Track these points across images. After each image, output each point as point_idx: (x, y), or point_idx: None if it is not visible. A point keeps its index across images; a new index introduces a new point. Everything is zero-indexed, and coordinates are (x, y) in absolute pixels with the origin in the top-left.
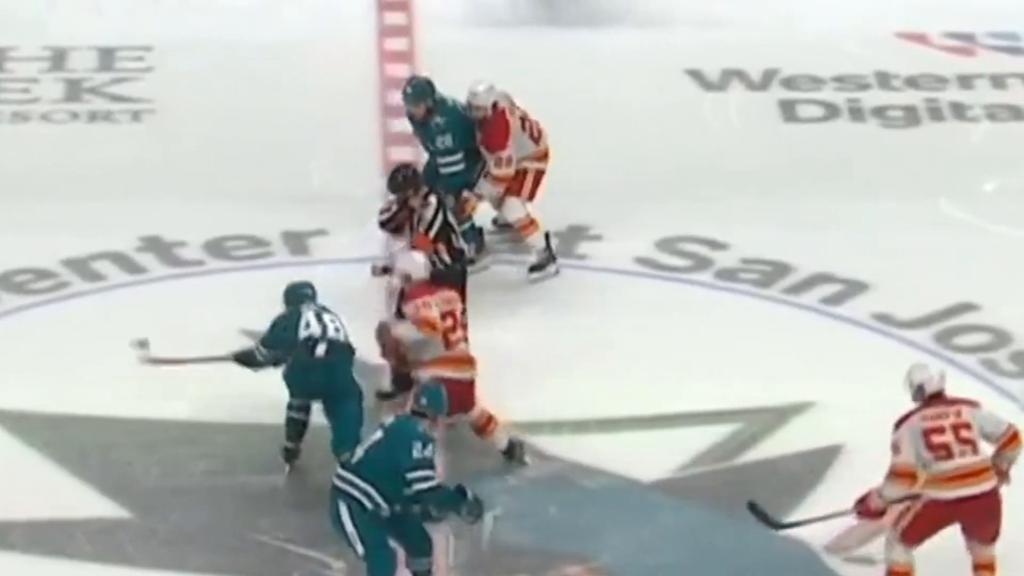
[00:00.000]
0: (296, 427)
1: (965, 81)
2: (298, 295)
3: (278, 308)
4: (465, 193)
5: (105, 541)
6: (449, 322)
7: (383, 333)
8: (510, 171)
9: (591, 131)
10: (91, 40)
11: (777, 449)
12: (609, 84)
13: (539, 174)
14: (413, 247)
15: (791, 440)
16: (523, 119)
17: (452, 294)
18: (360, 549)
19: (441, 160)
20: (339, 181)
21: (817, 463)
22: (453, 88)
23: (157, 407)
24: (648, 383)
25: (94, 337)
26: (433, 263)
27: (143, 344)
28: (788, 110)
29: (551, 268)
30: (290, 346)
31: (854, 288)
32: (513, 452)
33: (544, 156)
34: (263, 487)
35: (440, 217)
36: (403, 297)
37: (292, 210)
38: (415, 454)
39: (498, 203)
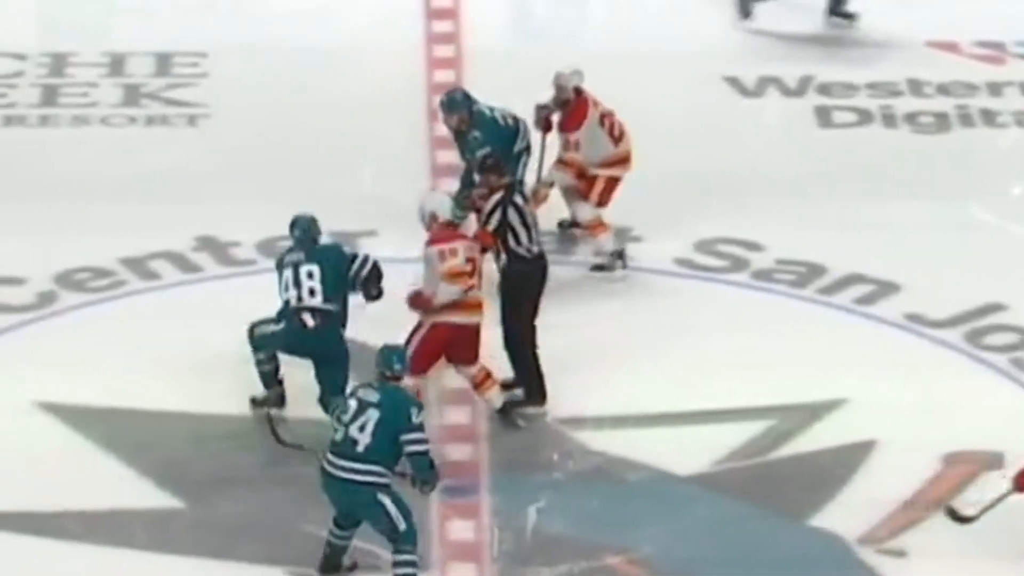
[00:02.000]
0: (270, 376)
1: (995, 88)
2: (295, 233)
3: None
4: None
5: (159, 531)
6: (470, 267)
7: (416, 301)
8: (577, 156)
9: (633, 136)
10: (148, 46)
11: (810, 445)
12: (650, 90)
13: (611, 181)
14: (475, 236)
15: (824, 436)
16: (603, 116)
17: (473, 242)
18: (403, 526)
19: (479, 172)
20: (388, 183)
21: (850, 459)
22: (498, 94)
23: (210, 402)
24: (686, 380)
25: (150, 334)
26: (497, 257)
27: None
28: (823, 116)
29: (617, 272)
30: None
31: (886, 288)
32: (507, 412)
33: (622, 161)
34: (312, 479)
35: (498, 215)
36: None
37: (342, 211)
38: (414, 419)
39: (568, 199)
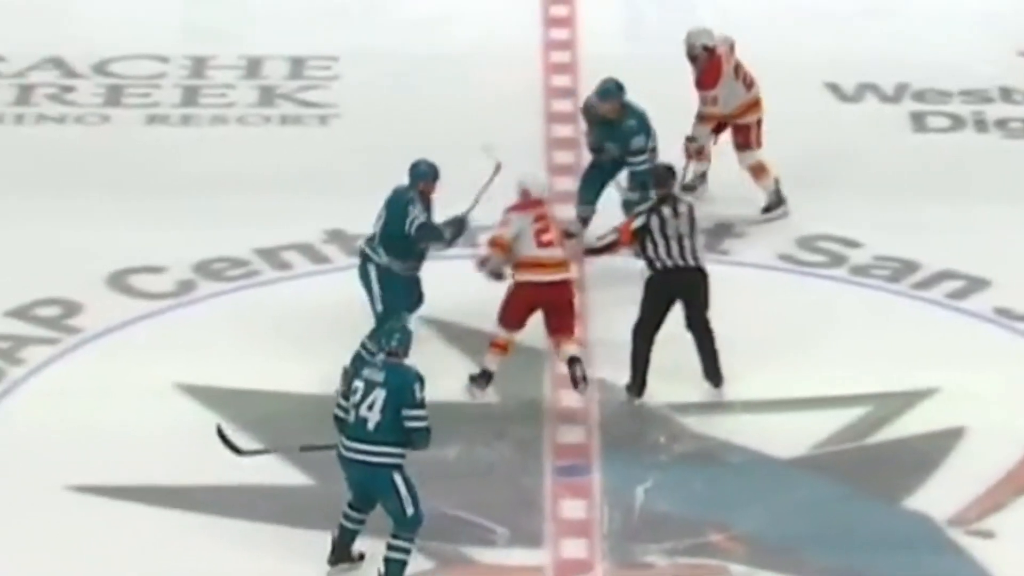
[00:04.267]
0: None
1: None
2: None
3: (449, 295)
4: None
5: (287, 505)
6: (540, 224)
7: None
8: (716, 110)
9: None
10: (283, 50)
11: (905, 430)
12: None
13: (758, 124)
14: (617, 230)
15: (918, 422)
16: (737, 67)
17: (543, 209)
18: (410, 510)
19: (633, 159)
20: (506, 181)
21: (942, 443)
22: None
23: (336, 384)
24: (786, 369)
25: (281, 320)
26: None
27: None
28: (918, 121)
29: (781, 209)
30: None
31: (977, 284)
32: (572, 367)
33: (756, 105)
34: (434, 458)
35: (643, 218)
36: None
37: (462, 206)
38: (417, 396)
39: (755, 177)
